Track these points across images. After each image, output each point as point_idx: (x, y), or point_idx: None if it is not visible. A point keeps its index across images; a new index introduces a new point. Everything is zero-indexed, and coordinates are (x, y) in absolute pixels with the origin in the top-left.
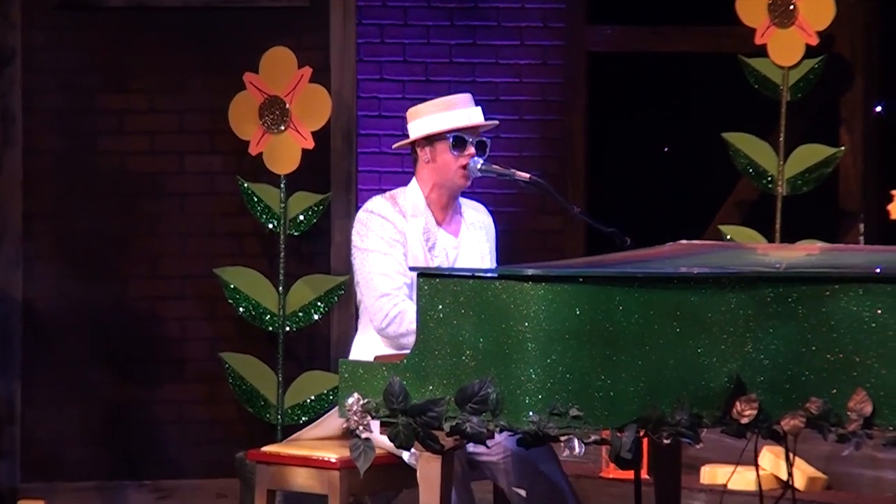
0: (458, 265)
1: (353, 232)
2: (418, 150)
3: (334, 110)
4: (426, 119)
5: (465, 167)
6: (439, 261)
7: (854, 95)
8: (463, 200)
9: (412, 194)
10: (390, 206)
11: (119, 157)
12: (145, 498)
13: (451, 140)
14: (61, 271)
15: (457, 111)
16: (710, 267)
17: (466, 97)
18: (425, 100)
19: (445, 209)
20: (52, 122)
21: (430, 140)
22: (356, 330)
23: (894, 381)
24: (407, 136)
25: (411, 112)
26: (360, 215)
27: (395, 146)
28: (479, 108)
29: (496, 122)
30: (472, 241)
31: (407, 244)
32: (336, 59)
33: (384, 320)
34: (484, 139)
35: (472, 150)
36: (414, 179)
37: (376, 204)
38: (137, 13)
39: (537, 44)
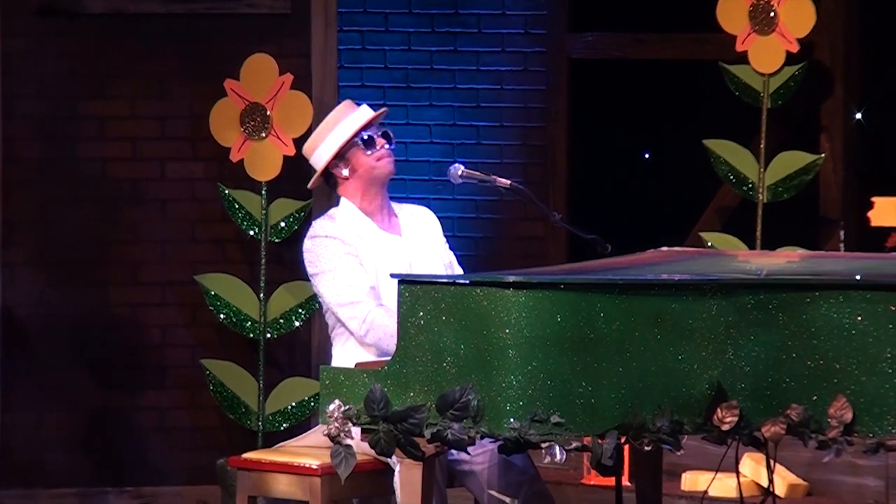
0: (413, 262)
1: (305, 262)
2: (335, 172)
3: (316, 117)
4: (325, 145)
5: (382, 158)
6: (394, 263)
7: (834, 102)
8: (395, 204)
9: (346, 211)
10: (332, 224)
11: (100, 164)
12: (127, 503)
13: (360, 144)
14: (42, 278)
15: (346, 121)
16: (692, 274)
17: (346, 104)
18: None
19: (381, 211)
20: (33, 129)
21: (341, 157)
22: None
23: (874, 388)
24: (314, 173)
25: (307, 148)
26: (306, 244)
27: (311, 187)
28: (364, 106)
29: (385, 108)
30: (416, 235)
31: (359, 254)
32: (317, 66)
33: (362, 326)
34: (387, 129)
35: (382, 140)
36: (342, 199)
37: (318, 228)
38: (118, 19)
39: (519, 51)
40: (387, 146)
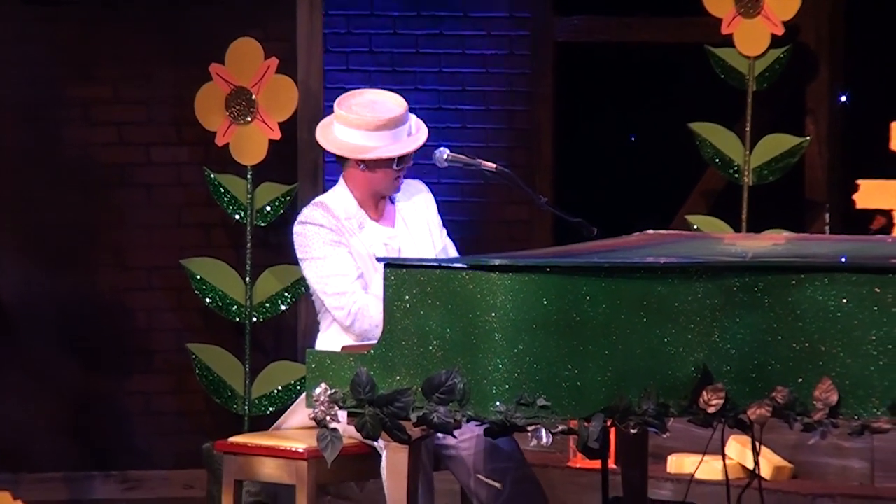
0: (402, 254)
1: (295, 247)
2: (351, 162)
3: (301, 101)
4: (371, 135)
5: (398, 178)
6: (383, 254)
7: (819, 85)
8: None
9: (342, 197)
10: (322, 212)
11: (85, 149)
12: (112, 489)
13: (395, 161)
14: (28, 263)
15: (399, 130)
16: (677, 257)
17: (404, 107)
18: (392, 90)
19: (377, 204)
20: (18, 114)
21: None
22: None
23: (859, 371)
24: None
25: (343, 116)
26: (296, 229)
27: (328, 148)
28: (413, 116)
29: (426, 132)
30: (411, 228)
31: (349, 243)
32: (302, 50)
33: (348, 318)
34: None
35: (410, 161)
36: (342, 181)
37: (308, 214)
38: (103, 4)
39: (504, 34)
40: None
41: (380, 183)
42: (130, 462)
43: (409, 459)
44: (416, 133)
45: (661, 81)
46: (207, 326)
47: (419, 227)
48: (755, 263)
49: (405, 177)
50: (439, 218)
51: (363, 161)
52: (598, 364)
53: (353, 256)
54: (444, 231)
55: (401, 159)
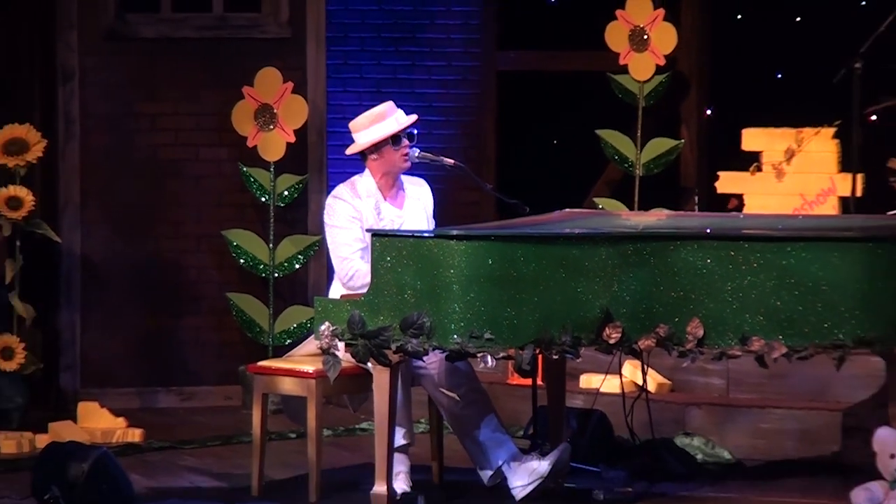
0: (402, 227)
1: (324, 213)
2: (367, 153)
3: (310, 114)
4: (368, 131)
5: (405, 154)
6: (387, 228)
7: (691, 102)
8: (406, 178)
9: (366, 180)
10: (349, 191)
11: (151, 149)
12: (172, 399)
13: (390, 141)
14: (110, 234)
15: (388, 120)
16: (587, 228)
17: (390, 105)
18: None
19: (391, 188)
20: (102, 123)
21: (376, 147)
22: (331, 280)
23: (719, 312)
24: (352, 142)
25: (353, 125)
26: (329, 200)
27: (348, 153)
28: (401, 111)
29: (415, 116)
30: (413, 212)
31: (363, 218)
32: (311, 77)
33: (345, 277)
34: (411, 131)
35: (406, 141)
36: (366, 170)
37: (339, 191)
38: (165, 42)
39: (460, 65)
40: (410, 146)
41: (390, 163)
42: (185, 380)
43: (391, 378)
44: (403, 120)
45: (576, 99)
46: (241, 280)
47: (418, 213)
48: (644, 233)
49: (416, 175)
50: (432, 211)
51: (371, 149)
52: (529, 308)
53: (362, 229)
54: (434, 222)
55: (397, 141)
